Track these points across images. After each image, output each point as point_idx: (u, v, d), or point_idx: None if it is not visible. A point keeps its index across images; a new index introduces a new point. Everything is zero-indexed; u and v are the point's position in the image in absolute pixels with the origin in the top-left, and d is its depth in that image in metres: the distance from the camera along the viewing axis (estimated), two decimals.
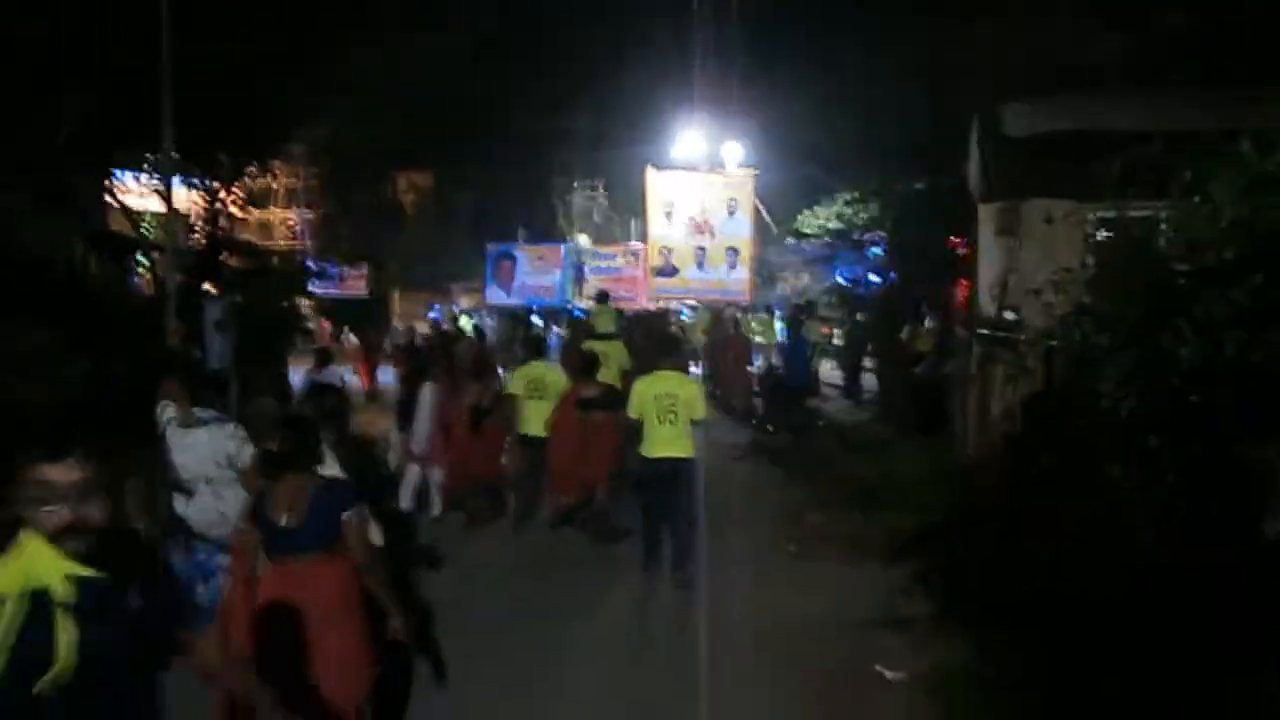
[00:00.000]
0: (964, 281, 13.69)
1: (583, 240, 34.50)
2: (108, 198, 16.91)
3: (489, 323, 29.72)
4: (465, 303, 38.93)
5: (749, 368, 18.47)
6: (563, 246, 31.01)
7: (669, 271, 25.36)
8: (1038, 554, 6.54)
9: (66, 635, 2.44)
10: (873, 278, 20.64)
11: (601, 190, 38.34)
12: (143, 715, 2.78)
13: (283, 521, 4.44)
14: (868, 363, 20.65)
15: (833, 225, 20.48)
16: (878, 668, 6.37)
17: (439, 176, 35.60)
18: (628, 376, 11.30)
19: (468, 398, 10.16)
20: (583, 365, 10.10)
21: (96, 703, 2.54)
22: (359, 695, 4.50)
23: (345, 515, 4.48)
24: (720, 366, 19.52)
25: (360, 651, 4.53)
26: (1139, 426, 4.92)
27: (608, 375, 10.83)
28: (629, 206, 34.30)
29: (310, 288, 25.95)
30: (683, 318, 25.96)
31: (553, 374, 10.36)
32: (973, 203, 10.18)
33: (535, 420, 9.81)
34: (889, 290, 19.41)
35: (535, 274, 29.43)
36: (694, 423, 8.43)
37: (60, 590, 2.45)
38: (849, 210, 19.89)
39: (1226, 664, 4.50)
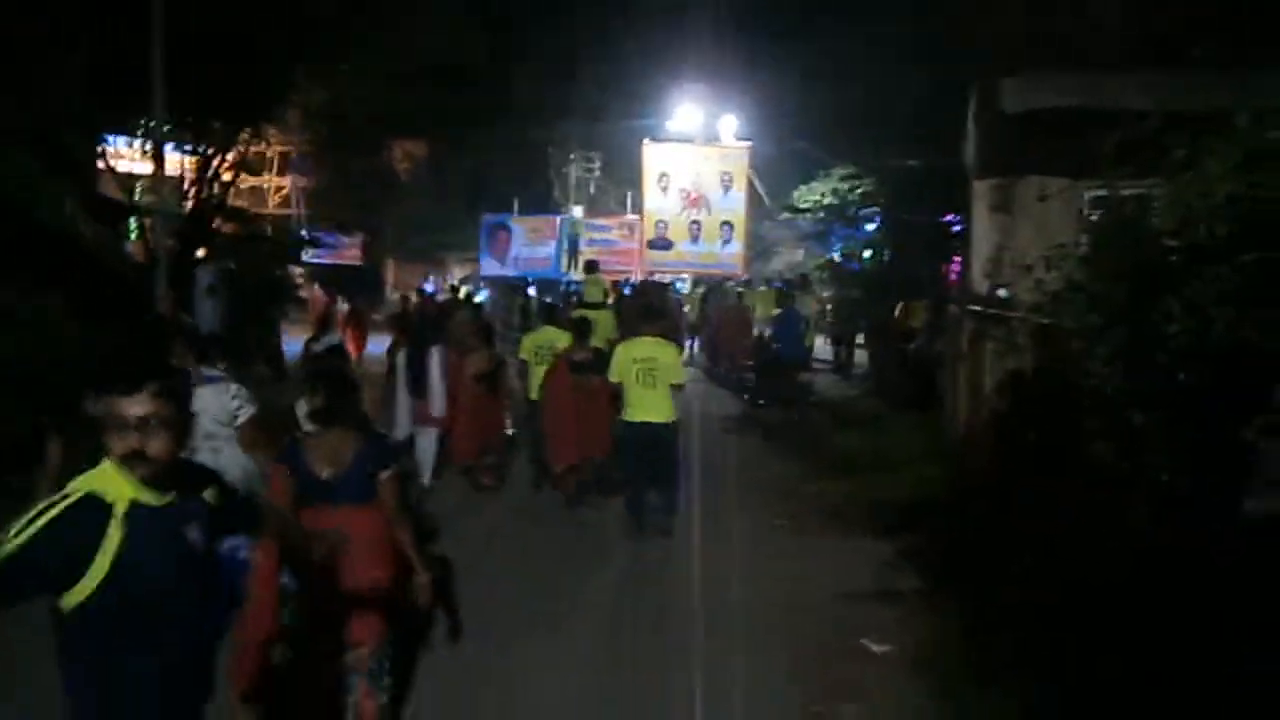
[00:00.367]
0: (957, 258, 13.68)
1: (577, 212, 34.39)
2: (100, 163, 16.79)
3: (486, 294, 29.67)
4: (459, 273, 38.86)
5: (747, 341, 18.46)
6: (558, 219, 30.96)
7: (663, 245, 25.37)
8: (1025, 531, 6.57)
9: (111, 547, 2.69)
10: (867, 254, 20.63)
11: (598, 162, 38.18)
12: (204, 653, 3.03)
13: (324, 474, 4.55)
14: (860, 339, 20.68)
15: (828, 201, 20.43)
16: (864, 641, 6.40)
17: (435, 146, 35.40)
18: (614, 344, 11.43)
19: (472, 366, 10.29)
20: (574, 330, 10.27)
21: (158, 623, 2.80)
22: (380, 639, 4.61)
23: (384, 474, 4.61)
24: (718, 339, 19.58)
25: (384, 598, 4.64)
26: (1126, 404, 4.92)
27: (594, 342, 11.01)
28: (625, 178, 34.19)
29: (304, 256, 25.88)
30: (678, 291, 25.93)
31: (563, 339, 10.58)
32: (968, 179, 10.14)
33: (539, 384, 10.24)
34: (883, 266, 19.40)
35: (530, 245, 29.41)
36: (674, 387, 8.70)
37: (120, 507, 2.73)
38: (844, 186, 19.84)
39: (1213, 641, 4.52)
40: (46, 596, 2.71)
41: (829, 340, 20.92)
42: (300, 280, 28.48)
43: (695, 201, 25.08)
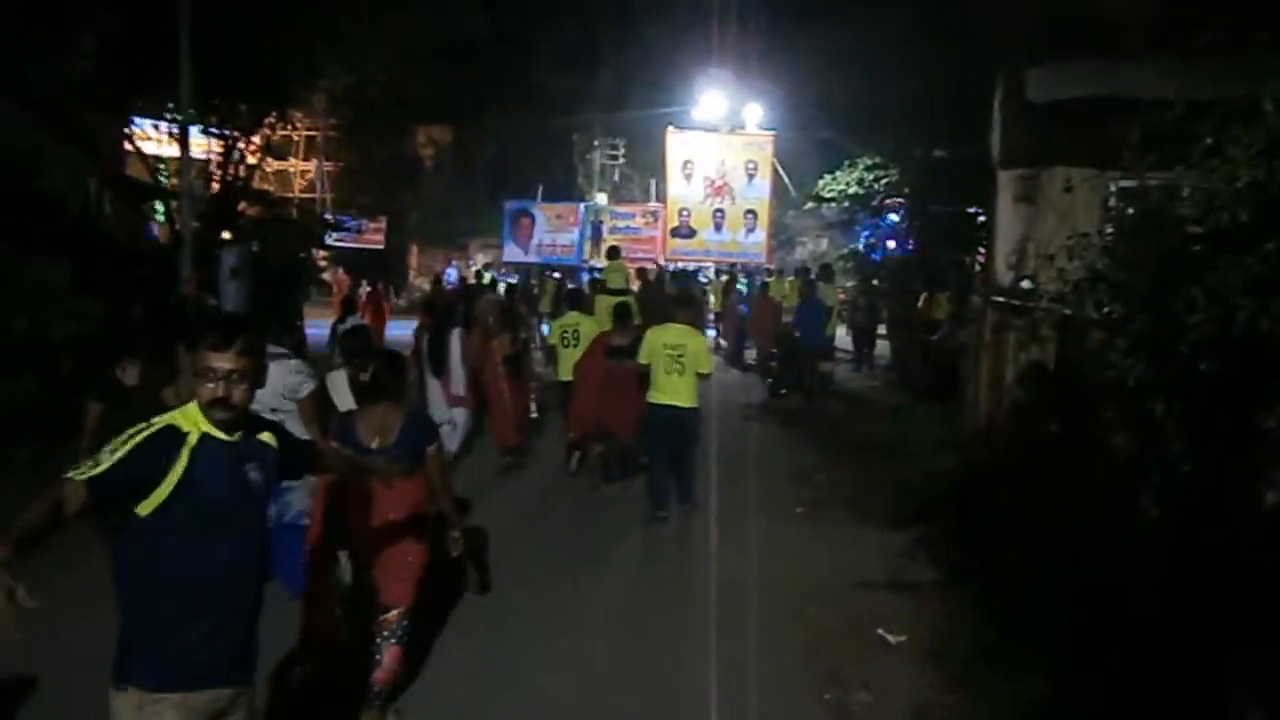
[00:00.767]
0: (982, 249, 13.59)
1: (601, 199, 34.36)
2: (126, 144, 16.90)
3: (510, 279, 29.73)
4: (481, 259, 38.90)
5: (775, 330, 18.44)
6: (581, 206, 30.91)
7: (686, 233, 25.28)
8: (1044, 523, 6.52)
9: (180, 468, 3.06)
10: (891, 244, 20.51)
11: (621, 150, 38.12)
12: (252, 580, 3.35)
13: (373, 445, 4.84)
14: (882, 329, 20.59)
15: (852, 190, 20.30)
16: (880, 631, 6.39)
17: (459, 132, 35.45)
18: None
19: (498, 349, 10.48)
20: (616, 315, 10.43)
21: (213, 541, 3.14)
22: (409, 606, 4.95)
23: (430, 448, 4.96)
24: (749, 328, 19.69)
25: (422, 554, 5.02)
26: (1147, 394, 4.87)
27: None
28: (649, 166, 34.14)
29: (327, 239, 25.97)
30: (701, 280, 25.86)
31: (587, 323, 10.95)
32: (993, 169, 10.06)
33: (567, 366, 10.55)
34: (907, 257, 19.29)
35: (553, 232, 29.37)
36: (700, 375, 8.80)
37: (194, 438, 3.11)
38: (869, 176, 19.72)
39: (1232, 633, 4.48)
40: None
41: (850, 331, 20.85)
42: (324, 263, 28.60)
43: (720, 190, 24.98)
